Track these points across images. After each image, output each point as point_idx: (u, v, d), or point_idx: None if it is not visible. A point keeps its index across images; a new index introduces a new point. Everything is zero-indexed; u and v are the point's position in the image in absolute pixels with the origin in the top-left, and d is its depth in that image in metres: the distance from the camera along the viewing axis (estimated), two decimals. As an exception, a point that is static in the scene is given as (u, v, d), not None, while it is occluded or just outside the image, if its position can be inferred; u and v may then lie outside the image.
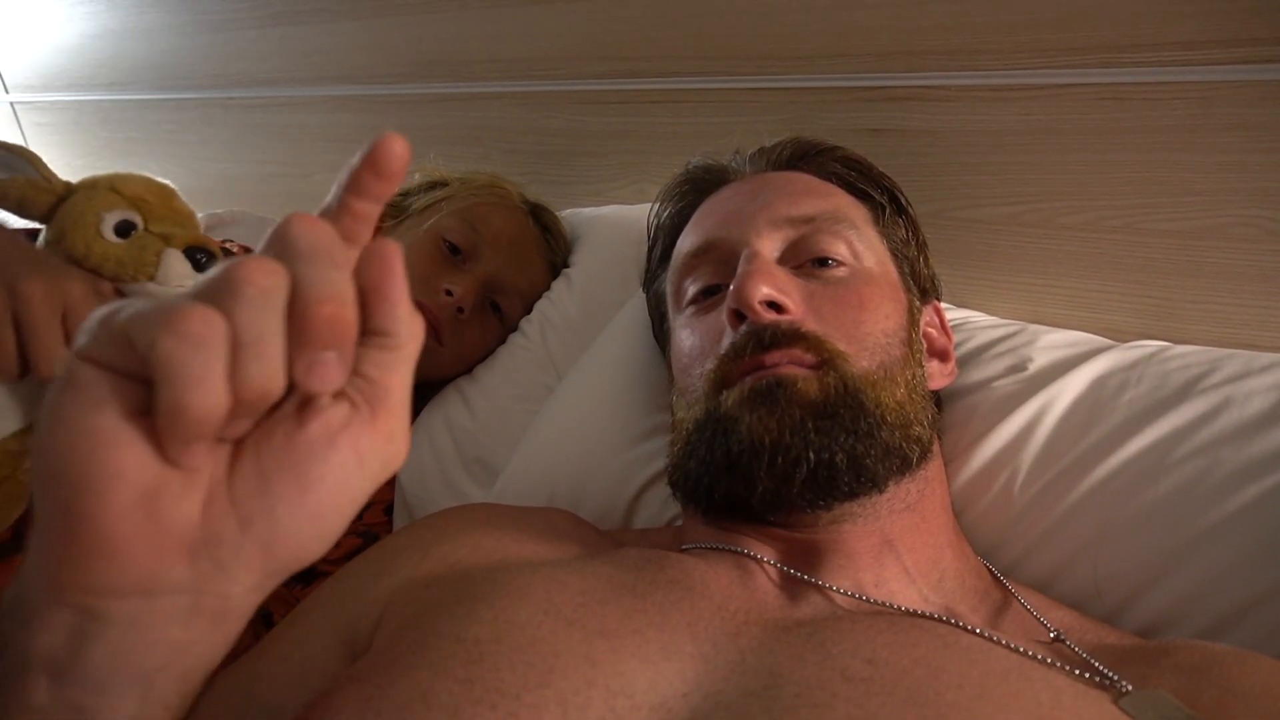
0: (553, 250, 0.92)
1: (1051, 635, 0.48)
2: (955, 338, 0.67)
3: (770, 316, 0.52)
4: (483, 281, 0.85)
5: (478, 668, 0.39)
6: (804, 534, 0.51)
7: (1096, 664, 0.43)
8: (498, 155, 1.10)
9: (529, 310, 0.90)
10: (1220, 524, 0.52)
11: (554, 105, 1.04)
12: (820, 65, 0.82)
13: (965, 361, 0.67)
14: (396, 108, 1.19)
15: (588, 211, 0.98)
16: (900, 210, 0.64)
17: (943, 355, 0.62)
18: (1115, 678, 0.42)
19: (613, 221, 0.92)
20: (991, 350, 0.67)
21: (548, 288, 0.91)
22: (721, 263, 0.58)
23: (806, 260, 0.56)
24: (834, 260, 0.56)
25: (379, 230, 0.90)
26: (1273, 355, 0.60)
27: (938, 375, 0.61)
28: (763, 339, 0.51)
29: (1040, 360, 0.64)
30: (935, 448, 0.57)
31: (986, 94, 0.74)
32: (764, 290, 0.52)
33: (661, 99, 0.94)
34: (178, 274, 0.61)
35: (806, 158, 0.65)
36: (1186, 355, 0.62)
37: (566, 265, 0.92)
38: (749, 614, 0.45)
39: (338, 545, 0.87)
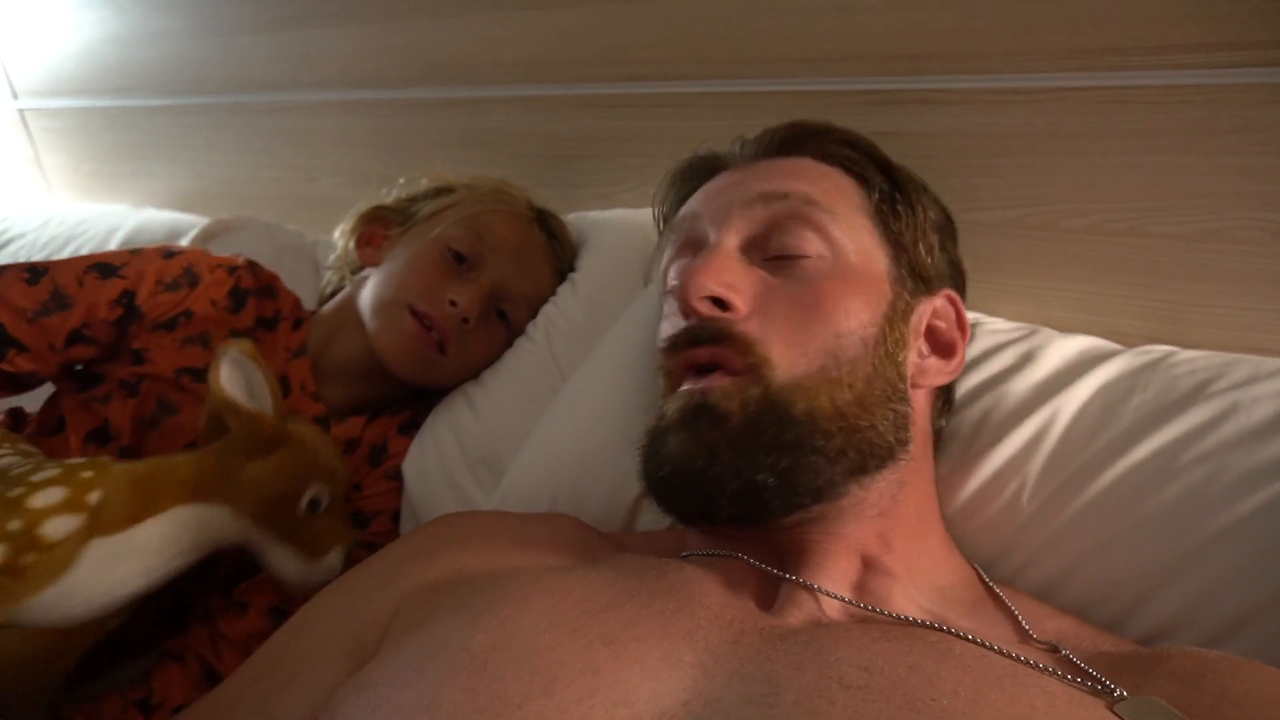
0: (559, 256, 0.92)
1: (1044, 649, 0.47)
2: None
3: (708, 312, 0.51)
4: (488, 291, 0.85)
5: (481, 677, 0.39)
6: (783, 537, 0.51)
7: (1092, 671, 0.43)
8: (504, 159, 1.10)
9: (535, 315, 0.90)
10: (1228, 529, 0.52)
11: (560, 109, 1.04)
12: (826, 68, 0.82)
13: (972, 365, 0.67)
14: (403, 112, 1.19)
15: (593, 215, 0.98)
16: (901, 195, 0.59)
17: (947, 350, 0.58)
18: (1110, 684, 0.41)
19: (618, 225, 0.92)
20: (999, 354, 0.67)
21: (554, 292, 0.91)
22: (694, 246, 0.58)
23: (774, 254, 0.54)
24: (799, 255, 0.53)
25: (386, 237, 0.91)
26: (1281, 360, 0.60)
27: (934, 372, 0.57)
28: (698, 336, 0.51)
29: (1049, 364, 0.64)
30: (917, 450, 0.54)
31: (991, 97, 0.74)
32: (708, 286, 0.51)
33: (667, 102, 0.94)
34: (333, 569, 0.67)
35: (802, 141, 0.61)
36: (1194, 360, 0.61)
37: (572, 269, 0.93)
38: (746, 621, 0.45)
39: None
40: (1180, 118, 0.66)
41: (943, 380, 0.58)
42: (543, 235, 0.91)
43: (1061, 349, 0.65)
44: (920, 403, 0.56)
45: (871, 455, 0.50)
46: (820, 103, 0.83)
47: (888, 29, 0.77)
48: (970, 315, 0.74)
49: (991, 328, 0.71)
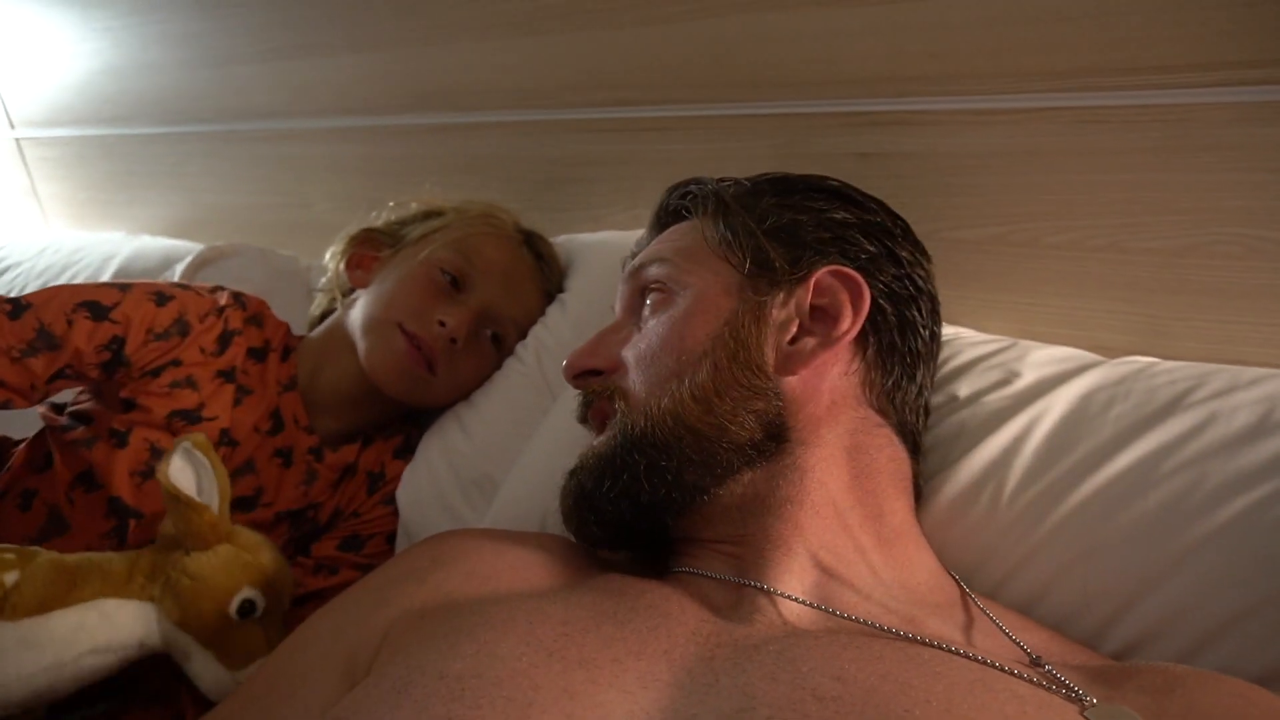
0: (547, 278, 0.93)
1: (1014, 654, 0.48)
2: (944, 353, 0.68)
3: (583, 386, 0.62)
4: (477, 312, 0.86)
5: (458, 705, 0.39)
6: (733, 546, 0.54)
7: (1062, 678, 0.43)
8: (495, 184, 1.11)
9: (524, 336, 0.91)
10: (1208, 537, 0.52)
11: (550, 134, 1.05)
12: (809, 91, 0.84)
13: (954, 376, 0.68)
14: (396, 138, 1.21)
15: (583, 237, 0.99)
16: (726, 214, 0.61)
17: (827, 324, 0.56)
18: (1080, 691, 0.42)
19: (607, 247, 0.93)
20: (980, 365, 0.68)
21: (543, 313, 0.92)
22: None
23: (643, 310, 0.62)
24: (654, 306, 0.61)
25: (376, 259, 0.92)
26: (1258, 370, 0.61)
27: (811, 351, 0.55)
28: (582, 411, 0.62)
29: (1029, 375, 0.65)
30: (814, 436, 0.55)
31: (971, 118, 0.75)
32: (573, 368, 0.62)
33: (655, 126, 0.96)
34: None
35: (666, 216, 0.69)
36: (1173, 371, 0.62)
37: (561, 290, 0.94)
38: (721, 635, 0.46)
39: (335, 573, 0.87)
40: (1154, 136, 0.68)
41: (830, 355, 0.56)
42: (531, 257, 0.92)
43: (1041, 360, 0.66)
44: (806, 388, 0.56)
45: (736, 453, 0.54)
46: (802, 125, 0.85)
47: (869, 53, 0.79)
48: (952, 328, 0.75)
49: (971, 340, 0.72)
